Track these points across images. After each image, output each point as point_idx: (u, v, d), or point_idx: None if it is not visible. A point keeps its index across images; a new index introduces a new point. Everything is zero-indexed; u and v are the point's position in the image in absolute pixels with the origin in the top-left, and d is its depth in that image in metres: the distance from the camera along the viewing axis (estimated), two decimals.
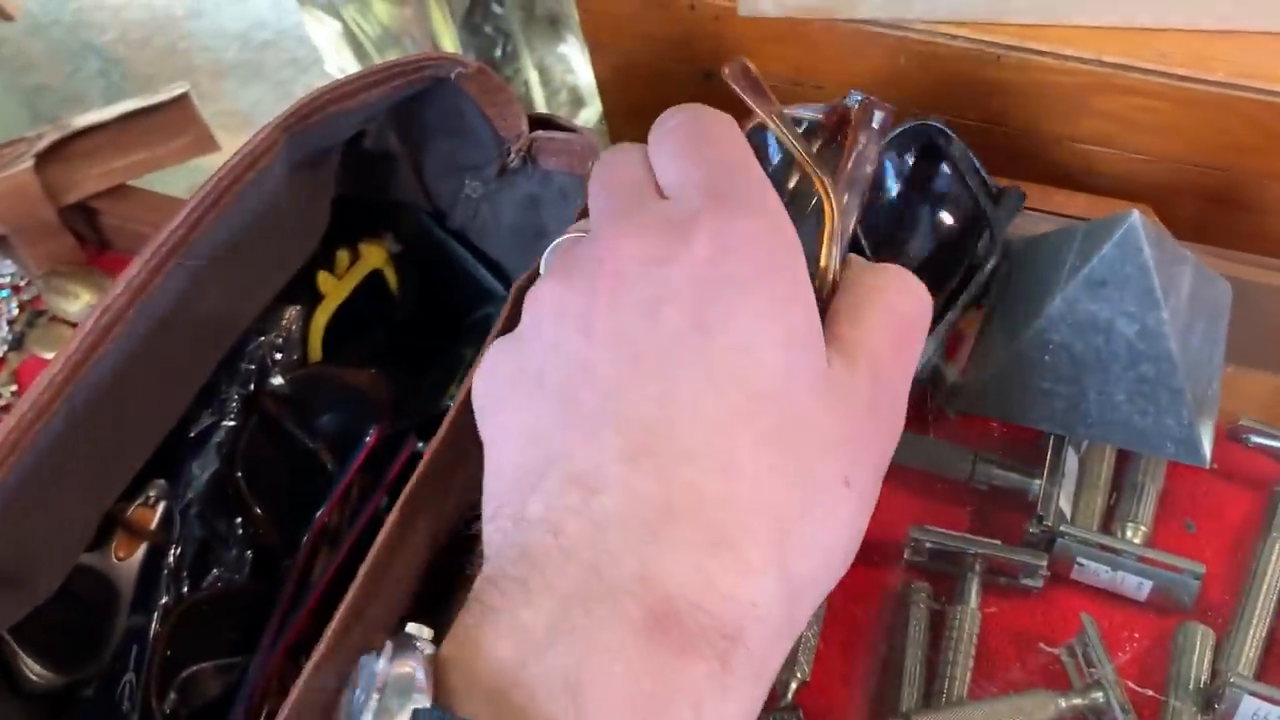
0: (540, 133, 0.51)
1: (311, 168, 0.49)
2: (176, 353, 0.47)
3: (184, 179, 0.86)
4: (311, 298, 0.56)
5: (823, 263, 0.35)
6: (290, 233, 0.51)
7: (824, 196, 0.35)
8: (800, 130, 0.39)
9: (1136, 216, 0.48)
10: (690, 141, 0.35)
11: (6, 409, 0.74)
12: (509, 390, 0.33)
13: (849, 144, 0.37)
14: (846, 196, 0.36)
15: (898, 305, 0.35)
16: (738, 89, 0.39)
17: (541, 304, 0.33)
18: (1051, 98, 0.59)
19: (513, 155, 0.51)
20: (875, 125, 0.38)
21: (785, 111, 0.38)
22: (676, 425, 0.30)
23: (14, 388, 0.75)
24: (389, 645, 0.28)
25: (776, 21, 0.62)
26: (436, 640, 0.29)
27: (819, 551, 0.31)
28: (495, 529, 0.31)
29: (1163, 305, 0.48)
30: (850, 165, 0.37)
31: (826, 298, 0.35)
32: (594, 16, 0.69)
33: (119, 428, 0.45)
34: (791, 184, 0.40)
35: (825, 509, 0.31)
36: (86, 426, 0.43)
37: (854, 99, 0.39)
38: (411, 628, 0.29)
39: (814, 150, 0.38)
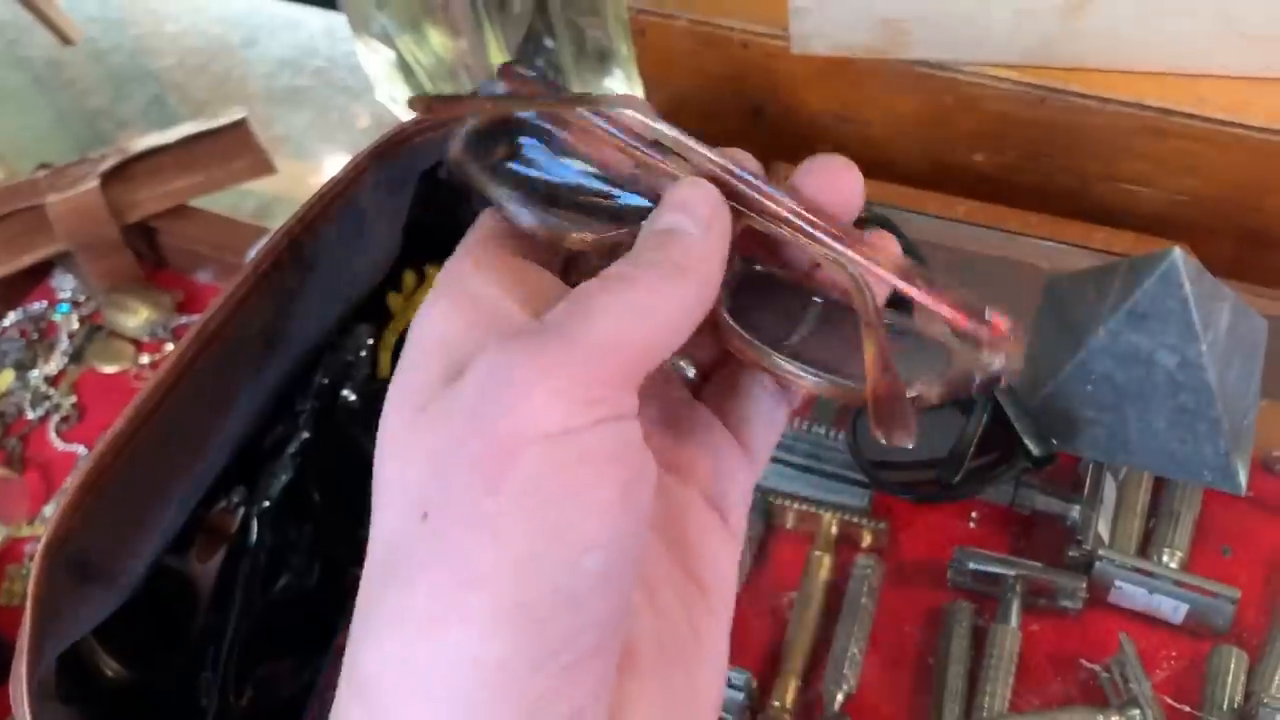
0: None
1: (392, 194, 0.51)
2: (262, 365, 0.49)
3: (232, 199, 0.89)
4: (381, 317, 0.58)
5: None
6: (368, 255, 0.53)
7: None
8: None
9: (1178, 253, 0.51)
10: None
11: (66, 420, 0.76)
12: None
13: None
14: None
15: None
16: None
17: None
18: (1093, 139, 0.62)
19: None
20: None
21: None
22: None
23: (74, 399, 0.77)
24: None
25: (827, 60, 0.65)
26: None
27: None
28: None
29: (1202, 339, 0.51)
30: None
31: None
32: (649, 53, 0.71)
33: (207, 433, 0.48)
34: None
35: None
36: (182, 430, 0.45)
37: None
38: None
39: None
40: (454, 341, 0.27)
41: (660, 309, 0.26)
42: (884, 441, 0.28)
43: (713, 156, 0.31)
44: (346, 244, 0.50)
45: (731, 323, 0.31)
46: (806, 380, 0.30)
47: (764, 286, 0.33)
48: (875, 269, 0.30)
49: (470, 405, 0.24)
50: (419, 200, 0.56)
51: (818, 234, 0.31)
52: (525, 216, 0.31)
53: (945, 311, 0.29)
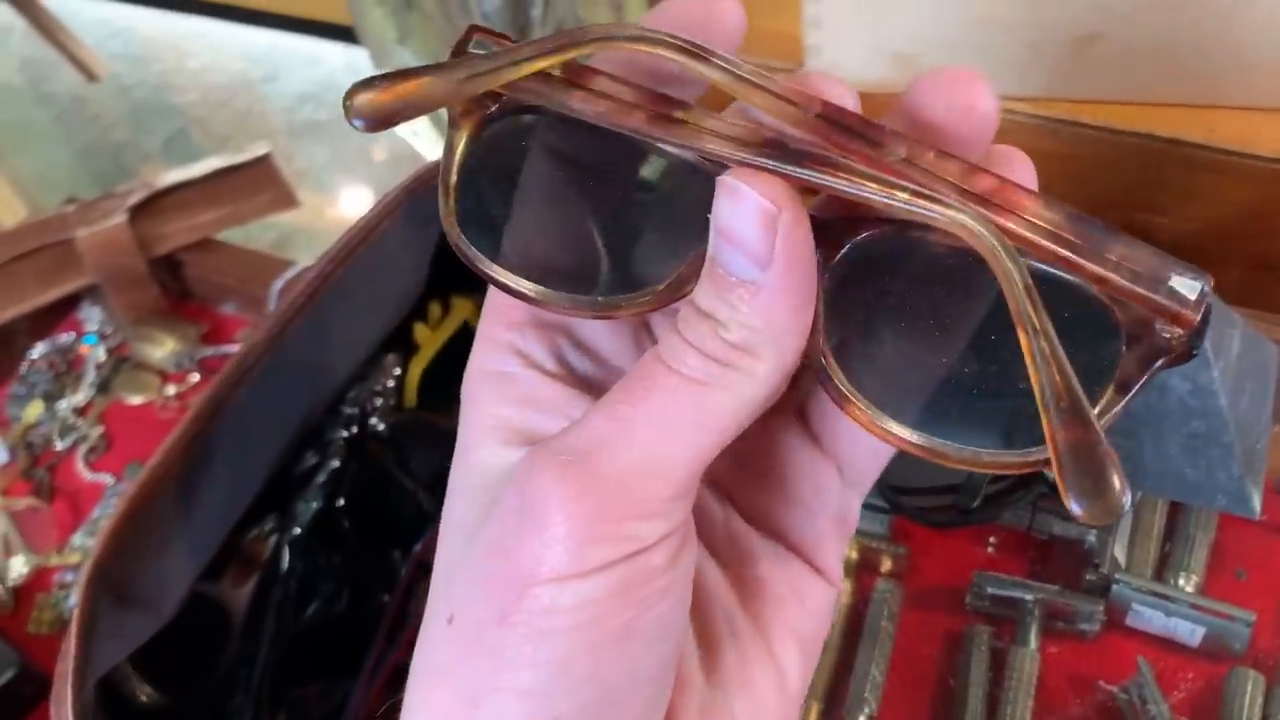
0: None
1: (420, 228, 0.53)
2: (295, 395, 0.50)
3: (244, 231, 0.90)
4: (408, 347, 0.59)
5: None
6: (396, 287, 0.55)
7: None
8: None
9: None
10: None
11: (94, 450, 0.77)
12: None
13: None
14: None
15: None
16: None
17: None
18: (1103, 169, 0.63)
19: None
20: None
21: None
22: None
23: (101, 429, 0.78)
24: None
25: None
26: None
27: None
28: None
29: (1213, 365, 0.51)
30: None
31: None
32: None
33: (241, 463, 0.49)
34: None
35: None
36: (217, 461, 0.46)
37: None
38: None
39: None
40: (493, 473, 0.25)
41: (715, 411, 0.23)
42: (1086, 521, 0.20)
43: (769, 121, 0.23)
44: (376, 277, 0.51)
45: (841, 380, 0.24)
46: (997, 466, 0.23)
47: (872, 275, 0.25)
48: (1024, 234, 0.22)
49: (494, 531, 0.24)
50: (444, 233, 0.58)
51: (930, 192, 0.22)
52: (529, 294, 0.26)
53: (1126, 288, 0.22)
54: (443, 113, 0.26)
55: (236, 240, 0.85)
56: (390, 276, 0.52)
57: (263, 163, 0.85)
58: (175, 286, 0.86)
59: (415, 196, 0.49)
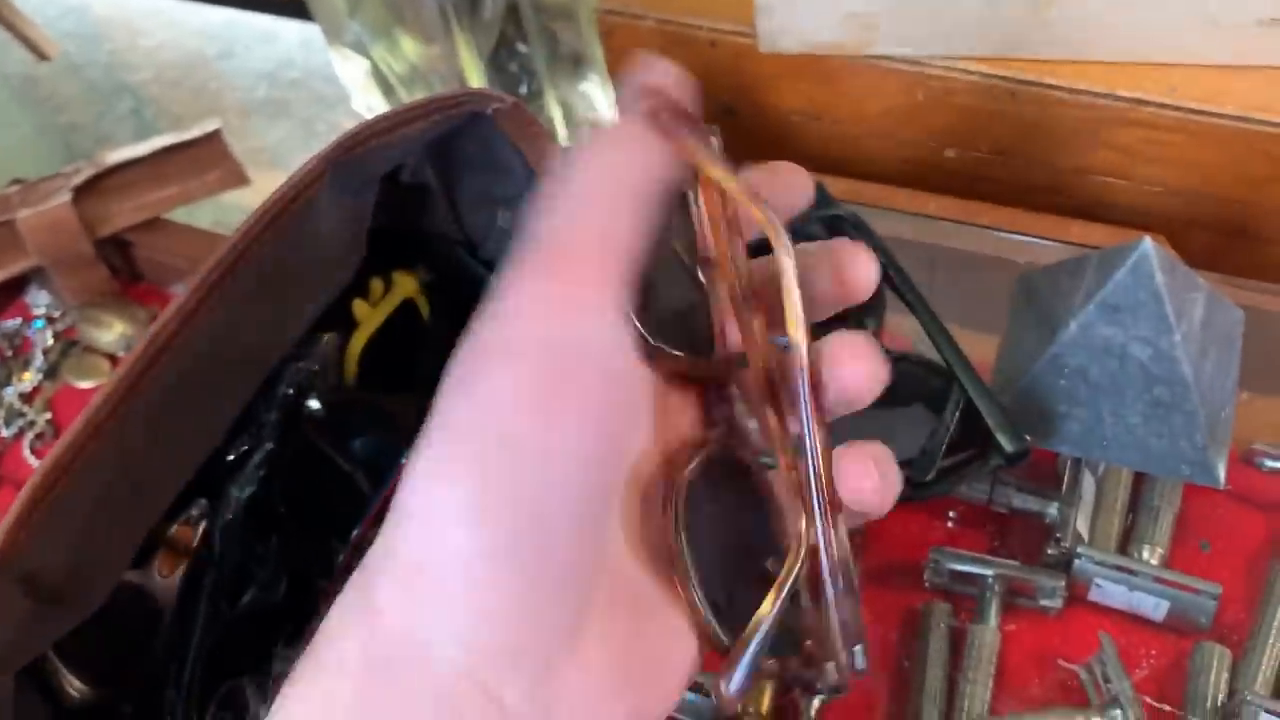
0: None
1: (351, 199, 0.51)
2: (220, 377, 0.48)
3: (213, 213, 0.88)
4: (347, 325, 0.57)
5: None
6: (329, 262, 0.53)
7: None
8: None
9: (1148, 243, 0.50)
10: None
11: (41, 437, 0.75)
12: None
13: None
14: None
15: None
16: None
17: None
18: (1066, 131, 0.61)
19: None
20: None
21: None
22: None
23: (49, 415, 0.77)
24: None
25: (796, 58, 0.64)
26: None
27: None
28: None
29: (1175, 329, 0.50)
30: None
31: None
32: (617, 54, 0.71)
33: (165, 448, 0.47)
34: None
35: None
36: (136, 446, 0.44)
37: None
38: None
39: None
40: None
41: None
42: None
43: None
44: (303, 251, 0.49)
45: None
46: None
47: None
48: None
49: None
50: (381, 205, 0.56)
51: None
52: None
53: None
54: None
55: (203, 224, 0.83)
56: (320, 250, 0.50)
57: (212, 140, 0.83)
58: (125, 268, 0.84)
59: (340, 166, 0.46)
